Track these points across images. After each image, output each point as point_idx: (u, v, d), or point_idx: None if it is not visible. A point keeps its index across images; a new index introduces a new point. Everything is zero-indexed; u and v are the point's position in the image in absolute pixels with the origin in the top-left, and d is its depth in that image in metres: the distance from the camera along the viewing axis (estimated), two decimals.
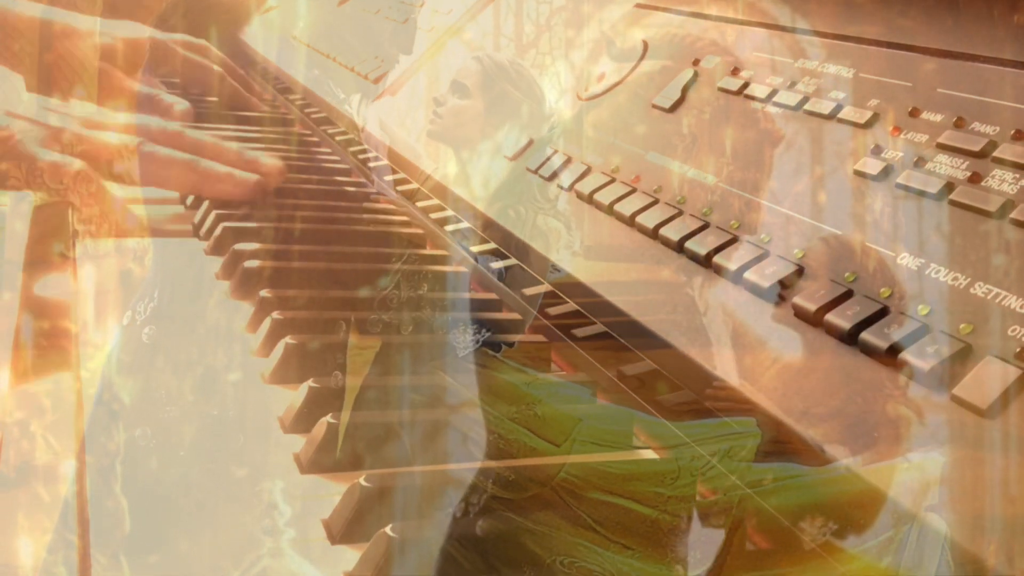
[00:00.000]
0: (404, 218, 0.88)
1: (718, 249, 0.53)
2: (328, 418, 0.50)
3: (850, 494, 0.40)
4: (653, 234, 0.58)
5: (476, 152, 0.80)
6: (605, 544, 0.44)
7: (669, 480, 0.47)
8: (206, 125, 1.10)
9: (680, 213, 0.58)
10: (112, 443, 0.49)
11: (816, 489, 0.41)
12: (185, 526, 0.45)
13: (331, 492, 0.47)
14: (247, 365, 0.60)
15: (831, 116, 0.55)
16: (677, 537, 0.45)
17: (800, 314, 0.47)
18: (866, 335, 0.43)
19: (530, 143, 0.75)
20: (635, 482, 0.49)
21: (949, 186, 0.46)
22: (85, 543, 0.43)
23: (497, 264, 0.70)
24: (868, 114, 0.53)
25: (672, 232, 0.57)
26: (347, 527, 0.45)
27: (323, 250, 0.78)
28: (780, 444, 0.44)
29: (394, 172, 0.92)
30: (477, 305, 0.70)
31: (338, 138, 1.09)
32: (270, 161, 0.90)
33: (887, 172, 0.49)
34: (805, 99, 0.57)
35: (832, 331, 0.45)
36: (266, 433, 0.52)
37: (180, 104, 1.06)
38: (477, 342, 0.62)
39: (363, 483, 0.45)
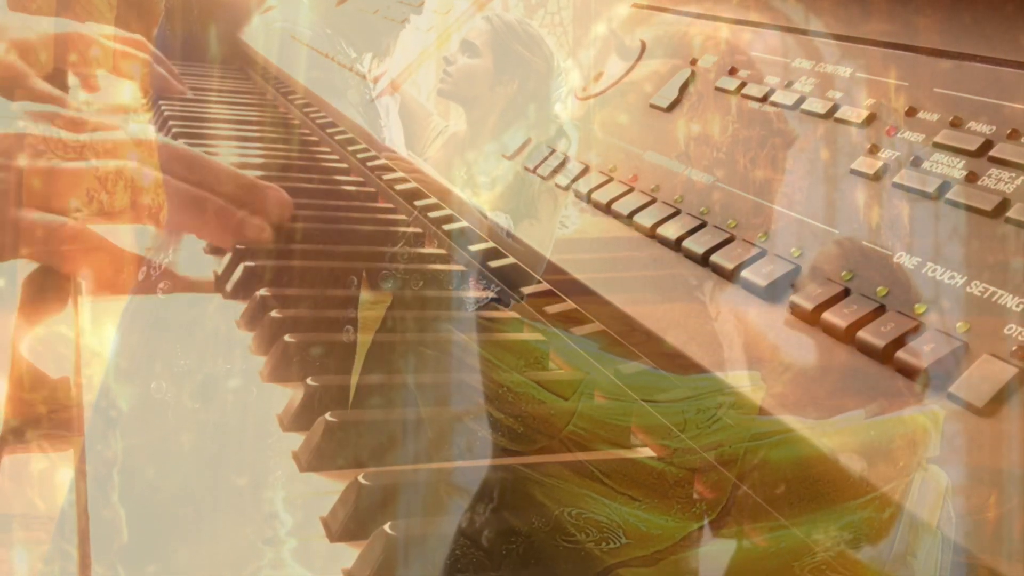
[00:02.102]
0: (403, 217, 0.88)
1: (715, 248, 0.53)
2: (327, 416, 0.51)
3: (852, 445, 0.40)
4: (651, 233, 0.58)
5: (475, 151, 0.80)
6: (612, 495, 0.44)
7: (675, 432, 0.47)
8: (203, 128, 1.10)
9: (678, 212, 0.58)
10: (110, 451, 0.49)
11: (819, 441, 0.41)
12: (184, 536, 0.45)
13: (330, 490, 0.47)
14: (246, 369, 0.60)
15: (828, 115, 0.55)
16: (683, 489, 0.45)
17: (797, 313, 0.47)
18: (863, 333, 0.43)
19: (528, 142, 0.75)
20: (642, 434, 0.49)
21: (946, 185, 0.46)
22: (83, 553, 0.43)
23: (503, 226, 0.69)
24: (865, 113, 0.53)
25: (670, 231, 0.57)
26: (346, 525, 0.45)
27: (323, 250, 0.78)
28: None
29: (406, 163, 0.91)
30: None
31: (338, 137, 1.09)
32: (267, 186, 0.80)
33: (884, 171, 0.50)
34: (802, 98, 0.57)
35: (829, 330, 0.45)
36: (266, 439, 0.52)
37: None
38: (486, 296, 0.62)
39: (362, 480, 0.45)
